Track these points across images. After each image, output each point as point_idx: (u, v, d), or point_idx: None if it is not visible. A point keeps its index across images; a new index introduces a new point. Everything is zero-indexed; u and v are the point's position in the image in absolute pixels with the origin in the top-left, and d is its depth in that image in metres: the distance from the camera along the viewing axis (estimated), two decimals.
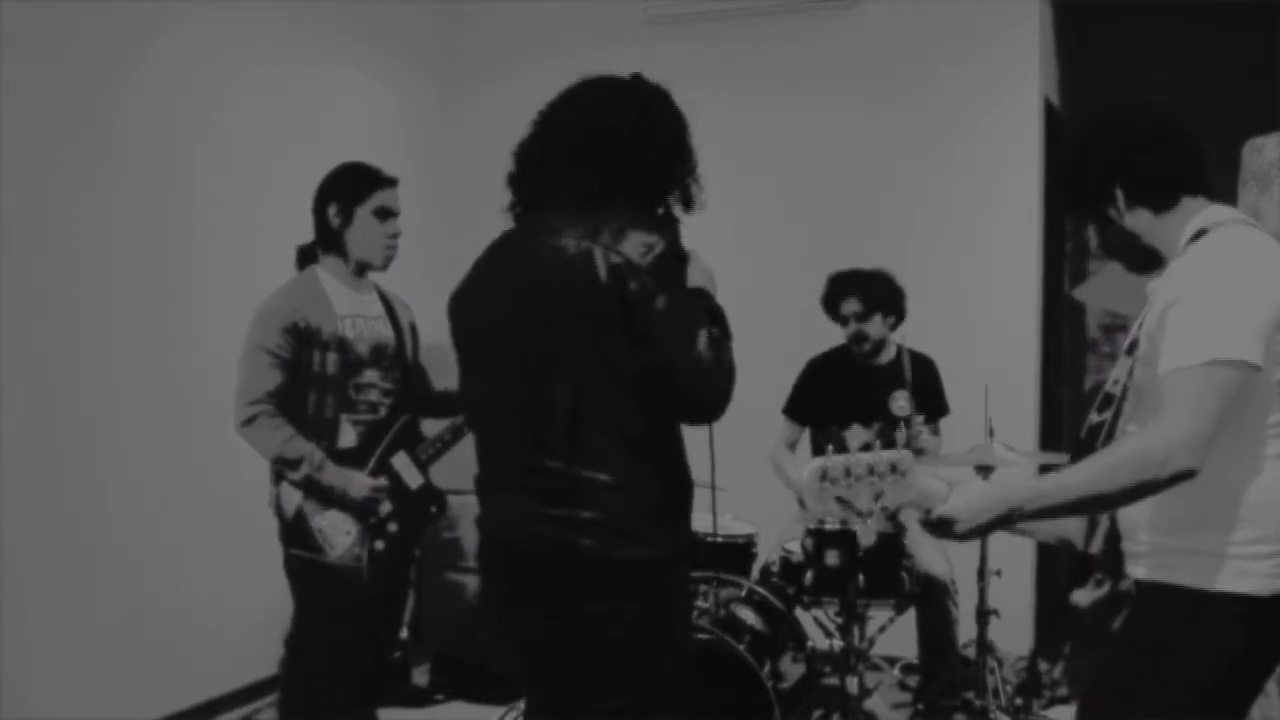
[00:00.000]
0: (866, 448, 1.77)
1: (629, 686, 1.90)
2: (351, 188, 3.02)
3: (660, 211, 2.02)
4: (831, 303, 4.01)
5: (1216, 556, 1.82)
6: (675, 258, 1.93)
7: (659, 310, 1.85)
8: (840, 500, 1.75)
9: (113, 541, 3.69)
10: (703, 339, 1.87)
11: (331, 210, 3.00)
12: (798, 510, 4.05)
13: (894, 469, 1.77)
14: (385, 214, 3.03)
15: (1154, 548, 1.90)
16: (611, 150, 1.97)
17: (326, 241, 3.03)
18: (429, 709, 4.20)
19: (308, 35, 4.49)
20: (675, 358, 1.86)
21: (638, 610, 1.89)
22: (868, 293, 3.95)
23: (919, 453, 3.92)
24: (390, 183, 3.06)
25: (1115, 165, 1.98)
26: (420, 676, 4.34)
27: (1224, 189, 2.83)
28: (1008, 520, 1.79)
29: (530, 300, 1.94)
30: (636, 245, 1.87)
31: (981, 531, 1.81)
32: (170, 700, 3.90)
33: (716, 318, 1.97)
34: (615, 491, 1.88)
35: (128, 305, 3.75)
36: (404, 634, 4.27)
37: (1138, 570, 1.94)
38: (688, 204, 2.05)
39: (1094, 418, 1.99)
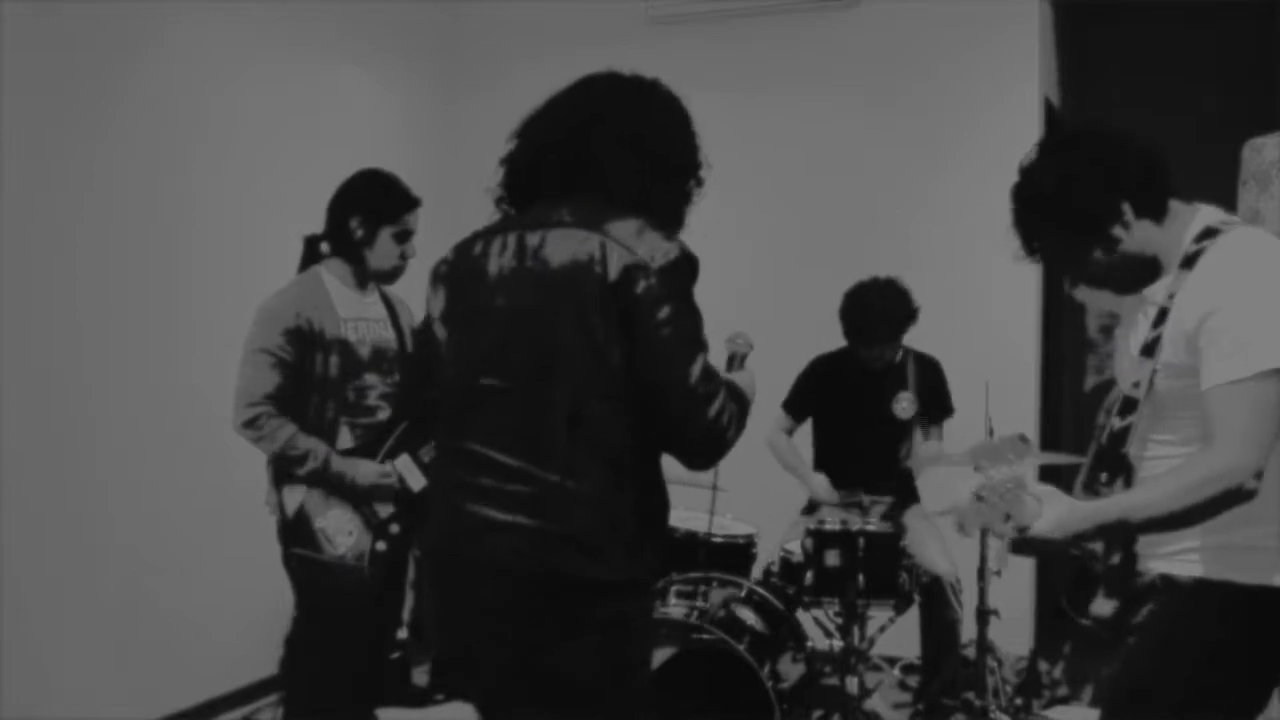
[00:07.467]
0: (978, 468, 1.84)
1: (581, 712, 1.82)
2: (381, 206, 2.98)
3: (675, 219, 1.95)
4: (853, 339, 3.92)
5: (1252, 550, 1.84)
6: (689, 267, 1.82)
7: (660, 319, 1.77)
8: (988, 520, 1.82)
9: (113, 542, 3.68)
10: (699, 364, 1.78)
11: (354, 222, 2.96)
12: (799, 511, 4.06)
13: (1015, 487, 1.83)
14: (406, 236, 3.00)
15: (1187, 546, 1.90)
16: (640, 151, 1.90)
17: (341, 248, 3.00)
18: (429, 709, 4.19)
19: (308, 35, 4.49)
20: (665, 375, 1.77)
21: (596, 634, 1.79)
22: (891, 331, 3.87)
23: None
24: (416, 204, 3.02)
25: (1118, 181, 1.93)
26: (420, 676, 4.34)
27: (1224, 189, 2.84)
28: (1098, 534, 1.86)
29: (532, 289, 1.84)
30: (653, 248, 1.79)
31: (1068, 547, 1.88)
32: (170, 700, 3.90)
33: (735, 394, 1.87)
34: (586, 505, 1.77)
35: (127, 304, 3.74)
36: (404, 634, 4.27)
37: (1171, 568, 1.93)
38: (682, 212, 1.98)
39: (1117, 422, 1.96)
